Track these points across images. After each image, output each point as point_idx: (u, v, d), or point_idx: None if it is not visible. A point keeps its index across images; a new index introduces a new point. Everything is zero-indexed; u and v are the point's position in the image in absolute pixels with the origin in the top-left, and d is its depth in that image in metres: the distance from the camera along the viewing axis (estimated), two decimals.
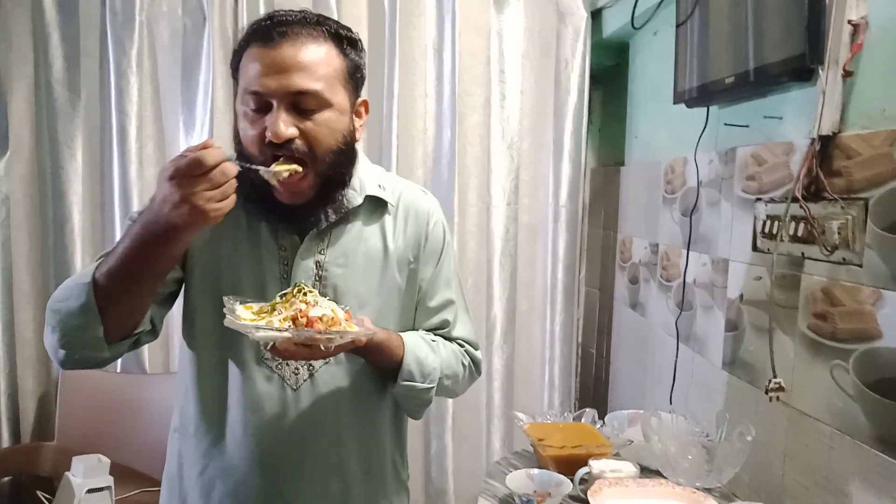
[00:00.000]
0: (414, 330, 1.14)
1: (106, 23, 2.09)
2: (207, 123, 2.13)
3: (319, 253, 1.06)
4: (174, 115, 2.18)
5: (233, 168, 0.83)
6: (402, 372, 1.04)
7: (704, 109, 1.56)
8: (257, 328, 0.87)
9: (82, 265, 2.15)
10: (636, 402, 2.14)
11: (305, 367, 1.04)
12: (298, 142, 0.95)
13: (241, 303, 0.94)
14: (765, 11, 1.25)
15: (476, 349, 1.20)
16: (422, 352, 1.08)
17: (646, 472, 1.39)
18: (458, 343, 1.18)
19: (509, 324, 2.38)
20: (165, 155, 2.19)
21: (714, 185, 1.54)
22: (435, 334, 1.16)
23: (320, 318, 0.89)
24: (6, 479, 2.10)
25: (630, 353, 2.24)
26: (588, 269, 2.53)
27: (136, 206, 2.13)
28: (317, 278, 1.05)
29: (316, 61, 0.96)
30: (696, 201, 1.61)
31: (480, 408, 2.34)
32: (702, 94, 1.48)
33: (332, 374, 1.05)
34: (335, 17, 2.00)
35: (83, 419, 2.08)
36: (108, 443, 2.02)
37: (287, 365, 1.03)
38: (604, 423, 1.61)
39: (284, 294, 0.94)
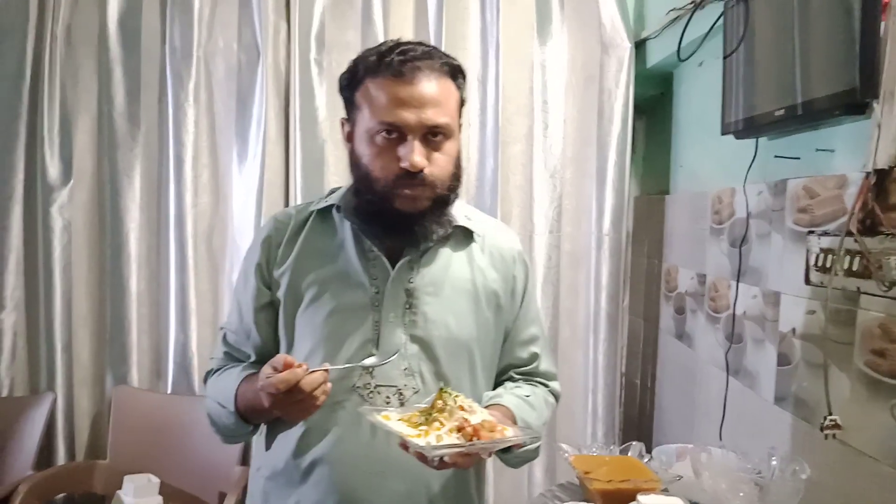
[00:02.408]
0: (501, 361, 1.20)
1: (165, 58, 2.20)
2: (259, 154, 2.20)
3: (409, 281, 1.09)
4: (228, 146, 2.26)
5: (323, 386, 0.94)
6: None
7: (753, 140, 1.55)
8: (435, 448, 0.89)
9: (137, 290, 2.24)
10: (682, 435, 2.10)
11: (396, 395, 1.07)
12: (426, 171, 1.02)
13: (377, 411, 0.98)
14: (814, 44, 1.25)
15: (556, 380, 1.27)
16: (528, 415, 1.11)
17: None
18: (541, 381, 1.22)
19: (551, 352, 2.36)
20: (219, 184, 2.27)
21: (764, 217, 1.53)
22: (523, 370, 1.21)
23: (482, 425, 0.92)
24: (61, 496, 2.17)
25: (676, 384, 2.21)
26: (632, 297, 2.50)
27: (190, 233, 2.21)
28: (406, 306, 1.09)
29: (444, 95, 1.04)
30: (746, 233, 1.59)
31: None
32: (750, 126, 1.47)
33: (421, 401, 1.06)
34: None
35: (135, 439, 2.14)
36: (158, 462, 2.09)
37: (378, 393, 1.07)
38: (651, 456, 1.58)
39: (429, 401, 0.99)
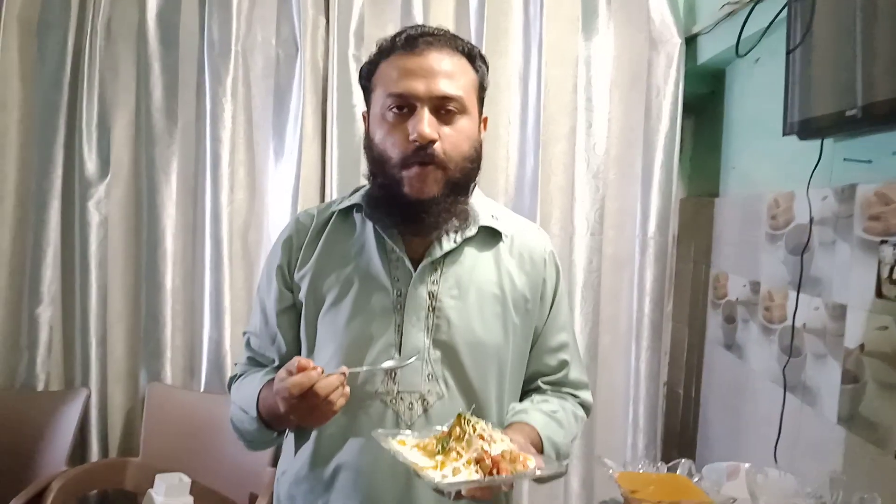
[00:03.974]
0: (529, 368, 1.15)
1: (203, 53, 2.18)
2: (296, 151, 2.16)
3: (433, 283, 1.05)
4: (265, 143, 2.23)
5: (341, 389, 0.91)
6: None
7: (817, 142, 1.45)
8: (451, 484, 0.85)
9: (172, 287, 2.22)
10: (729, 450, 2.00)
11: (420, 401, 1.03)
12: (438, 146, 0.98)
13: (392, 436, 0.94)
14: (891, 39, 1.15)
15: (587, 389, 1.20)
16: (556, 434, 1.06)
17: None
18: (570, 392, 1.16)
19: (591, 360, 2.28)
20: (255, 181, 2.25)
21: (829, 224, 1.43)
22: (551, 379, 1.15)
23: (502, 456, 0.87)
24: (94, 492, 2.16)
25: (723, 396, 2.11)
26: (676, 304, 2.40)
27: (225, 229, 2.19)
28: (430, 309, 1.04)
29: (458, 70, 1.01)
30: (808, 240, 1.49)
31: None
32: (816, 126, 1.37)
33: (445, 408, 1.03)
34: None
35: (167, 436, 2.13)
36: (190, 461, 2.07)
37: (401, 399, 1.03)
38: (701, 475, 1.49)
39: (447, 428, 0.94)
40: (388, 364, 1.01)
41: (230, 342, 2.21)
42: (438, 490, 0.85)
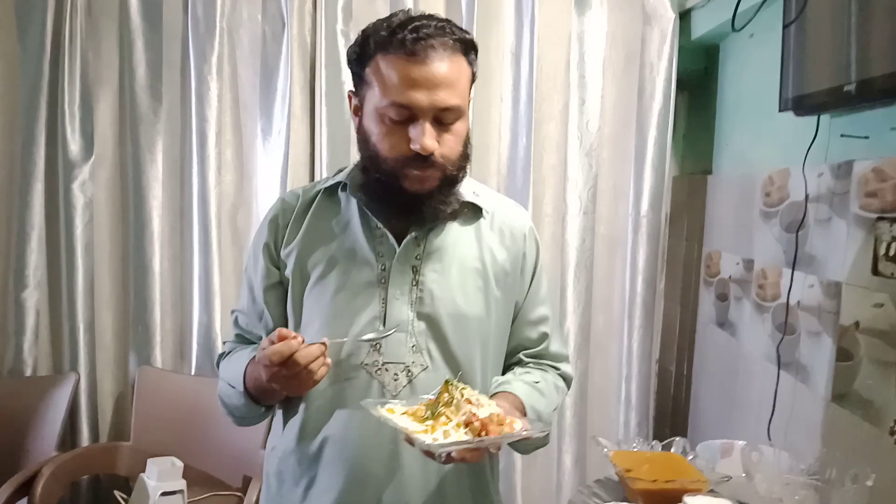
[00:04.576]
0: (510, 341, 1.18)
1: (188, 30, 2.12)
2: (284, 130, 2.13)
3: (416, 258, 1.08)
4: (253, 122, 2.19)
5: (322, 359, 0.95)
6: None
7: (812, 119, 1.43)
8: (442, 445, 0.87)
9: (161, 270, 2.20)
10: (722, 427, 2.01)
11: (404, 372, 1.06)
12: (438, 153, 1.00)
13: (380, 405, 0.96)
14: (890, 12, 1.13)
15: (568, 362, 1.24)
16: (538, 403, 1.09)
17: None
18: (551, 365, 1.20)
19: (583, 339, 2.28)
20: (243, 161, 2.21)
21: (825, 201, 1.42)
22: (532, 352, 1.18)
23: (490, 419, 0.89)
24: (85, 477, 2.15)
25: (715, 374, 2.11)
26: (668, 282, 2.40)
27: (213, 211, 2.16)
28: (413, 283, 1.07)
29: (456, 75, 1.01)
30: (804, 217, 1.48)
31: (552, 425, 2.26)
32: (813, 102, 1.36)
33: (430, 378, 1.05)
34: None
35: (158, 421, 2.11)
36: (182, 445, 2.06)
37: (386, 370, 1.05)
38: (696, 453, 1.50)
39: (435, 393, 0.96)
40: (369, 336, 1.04)
41: (220, 325, 2.19)
42: (429, 453, 0.87)
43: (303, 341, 0.94)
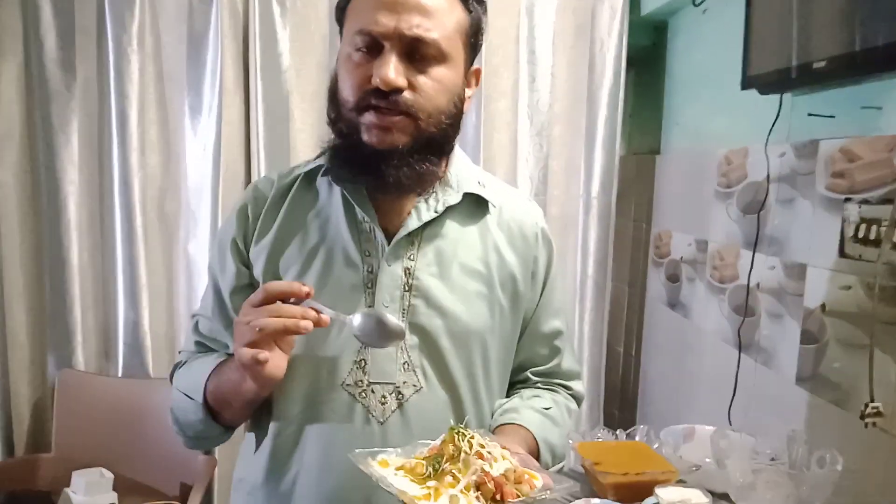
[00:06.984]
0: (517, 356, 1.04)
1: None
2: (216, 107, 1.97)
3: (409, 258, 0.92)
4: (179, 99, 2.02)
5: (304, 322, 0.80)
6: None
7: (772, 97, 1.41)
8: None
9: (79, 261, 2.01)
10: (672, 409, 2.01)
11: (393, 394, 0.91)
12: (407, 94, 0.85)
13: (371, 457, 0.79)
14: None
15: (580, 379, 1.12)
16: (552, 434, 0.98)
17: (714, 497, 1.26)
18: (562, 383, 1.07)
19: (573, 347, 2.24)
20: (169, 142, 2.03)
21: (788, 181, 1.40)
22: (541, 370, 1.06)
23: (506, 477, 0.74)
24: (0, 495, 1.95)
25: (666, 354, 2.11)
26: (616, 262, 2.39)
27: (137, 197, 1.99)
28: (405, 288, 0.91)
29: (439, 8, 0.86)
30: (766, 198, 1.46)
31: None
32: (780, 80, 1.32)
33: (424, 402, 0.91)
34: None
35: (83, 428, 1.94)
36: (111, 454, 1.90)
37: (372, 392, 0.90)
38: (661, 441, 1.47)
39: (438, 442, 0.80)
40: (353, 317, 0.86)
41: (149, 322, 2.03)
42: None
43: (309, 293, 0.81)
